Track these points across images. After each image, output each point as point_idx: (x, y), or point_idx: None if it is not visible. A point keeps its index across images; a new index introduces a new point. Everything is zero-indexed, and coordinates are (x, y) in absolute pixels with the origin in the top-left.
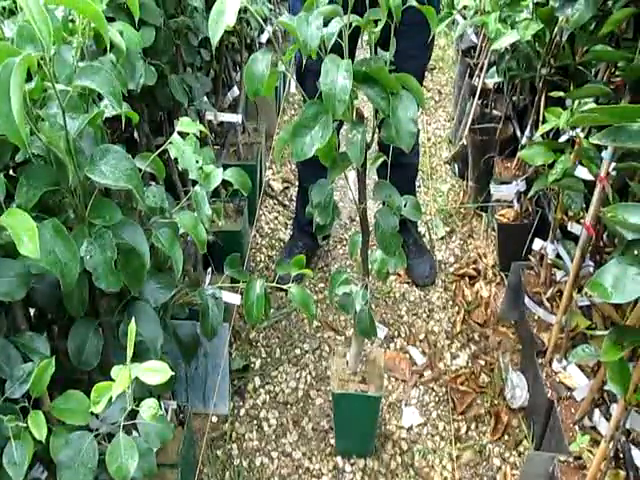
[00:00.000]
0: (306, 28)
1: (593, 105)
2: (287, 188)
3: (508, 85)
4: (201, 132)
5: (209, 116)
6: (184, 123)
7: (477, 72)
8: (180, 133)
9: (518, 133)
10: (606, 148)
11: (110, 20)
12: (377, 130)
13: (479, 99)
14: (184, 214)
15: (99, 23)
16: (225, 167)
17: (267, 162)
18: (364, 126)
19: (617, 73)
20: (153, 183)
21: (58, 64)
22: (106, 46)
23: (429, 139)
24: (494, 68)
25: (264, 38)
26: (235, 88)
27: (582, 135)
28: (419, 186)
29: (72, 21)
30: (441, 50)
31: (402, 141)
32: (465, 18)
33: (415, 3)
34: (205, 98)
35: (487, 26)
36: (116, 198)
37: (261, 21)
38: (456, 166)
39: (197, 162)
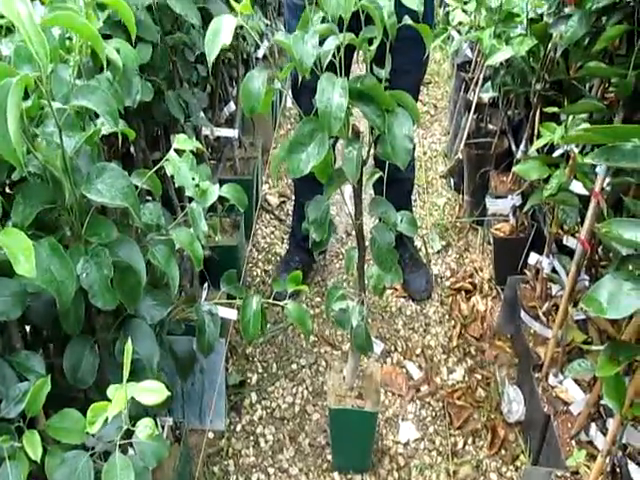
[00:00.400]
0: (302, 47)
1: (587, 124)
2: (283, 202)
3: (503, 100)
4: (197, 149)
5: (205, 131)
6: (180, 140)
7: (472, 87)
8: (176, 150)
9: (513, 147)
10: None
11: (107, 37)
12: (373, 146)
13: (474, 113)
14: (180, 231)
15: (96, 43)
16: (221, 182)
17: (263, 176)
18: (360, 142)
19: (611, 89)
20: (150, 199)
21: (55, 83)
22: (103, 64)
23: (425, 153)
24: (489, 83)
25: (260, 53)
26: (232, 103)
27: (576, 150)
28: (415, 200)
29: (69, 38)
30: (436, 64)
31: (398, 158)
32: (460, 33)
33: (410, 21)
34: (202, 113)
35: (482, 42)
36: (112, 215)
37: (257, 37)
38: (452, 180)
39: (193, 179)
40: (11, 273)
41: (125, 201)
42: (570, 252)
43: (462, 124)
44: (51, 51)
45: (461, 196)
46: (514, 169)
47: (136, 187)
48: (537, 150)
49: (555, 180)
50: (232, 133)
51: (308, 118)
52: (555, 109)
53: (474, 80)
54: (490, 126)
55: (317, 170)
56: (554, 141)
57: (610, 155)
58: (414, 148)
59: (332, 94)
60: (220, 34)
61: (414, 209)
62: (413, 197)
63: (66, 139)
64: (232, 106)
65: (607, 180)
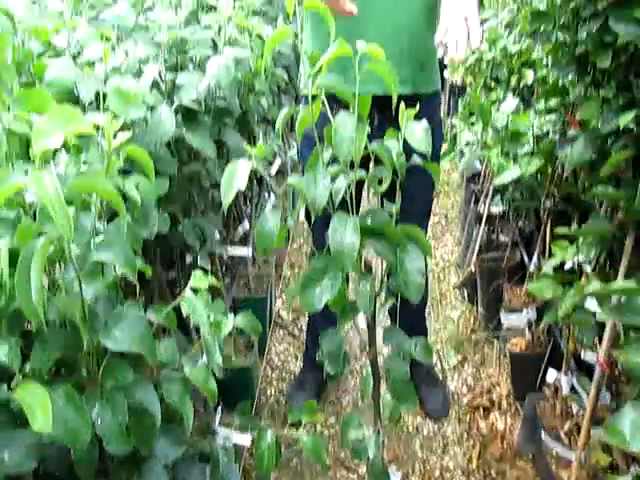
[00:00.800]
0: (314, 188)
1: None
2: (297, 318)
3: (513, 213)
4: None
5: (220, 251)
6: (196, 278)
7: (482, 199)
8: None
9: (526, 259)
10: None
11: (126, 173)
12: (385, 278)
13: (485, 225)
14: (195, 367)
15: (116, 203)
16: (235, 301)
17: (277, 291)
18: (372, 277)
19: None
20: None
21: (76, 233)
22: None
23: (437, 264)
24: (498, 196)
25: (274, 170)
26: (245, 222)
27: (589, 269)
28: (429, 313)
29: None
30: (446, 174)
31: (410, 293)
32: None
33: (419, 161)
34: (216, 233)
35: (490, 160)
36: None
37: (270, 157)
38: (465, 291)
39: (209, 317)
40: (25, 423)
41: (141, 348)
42: (589, 367)
43: (473, 236)
44: (72, 201)
45: (475, 308)
46: (527, 287)
47: (151, 324)
48: None
49: (569, 300)
50: (245, 252)
51: (320, 255)
52: (565, 230)
53: (484, 192)
54: (502, 237)
55: (331, 303)
56: (566, 259)
57: (622, 313)
58: (427, 265)
59: (344, 234)
60: (235, 179)
61: (428, 323)
62: (427, 310)
63: (85, 288)
64: (246, 225)
65: None
